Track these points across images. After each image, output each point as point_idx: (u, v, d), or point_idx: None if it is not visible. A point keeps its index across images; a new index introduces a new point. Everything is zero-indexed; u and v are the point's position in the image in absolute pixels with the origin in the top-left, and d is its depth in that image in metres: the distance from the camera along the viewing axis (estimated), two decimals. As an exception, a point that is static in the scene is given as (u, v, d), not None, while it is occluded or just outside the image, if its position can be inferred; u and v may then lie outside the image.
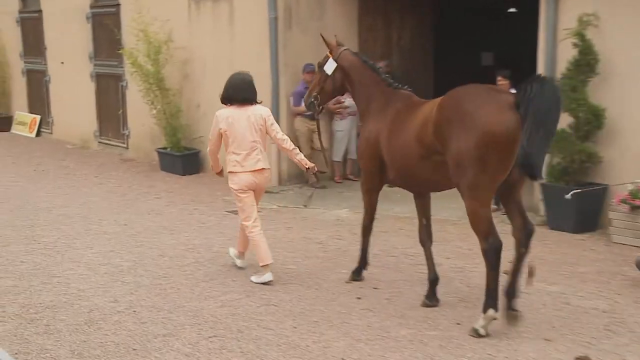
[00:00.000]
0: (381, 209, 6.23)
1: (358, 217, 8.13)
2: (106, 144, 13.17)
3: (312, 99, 5.91)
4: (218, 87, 6.27)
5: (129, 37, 11.52)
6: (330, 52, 5.81)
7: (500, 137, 4.42)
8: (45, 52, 14.88)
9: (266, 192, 8.43)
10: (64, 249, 7.02)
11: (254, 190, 6.00)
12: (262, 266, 5.96)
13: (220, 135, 5.99)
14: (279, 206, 8.72)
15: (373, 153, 5.41)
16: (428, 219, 5.43)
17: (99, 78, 13.41)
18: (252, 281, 5.94)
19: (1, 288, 5.85)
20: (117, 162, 11.92)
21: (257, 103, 6.05)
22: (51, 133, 14.91)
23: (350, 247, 6.75)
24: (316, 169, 6.17)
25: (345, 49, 5.80)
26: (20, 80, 15.94)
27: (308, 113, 8.15)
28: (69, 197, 9.50)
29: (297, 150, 6.09)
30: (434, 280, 5.34)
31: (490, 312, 4.71)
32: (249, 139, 5.94)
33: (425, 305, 5.27)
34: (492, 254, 4.60)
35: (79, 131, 13.70)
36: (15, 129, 15.71)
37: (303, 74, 9.60)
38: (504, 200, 4.88)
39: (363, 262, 5.90)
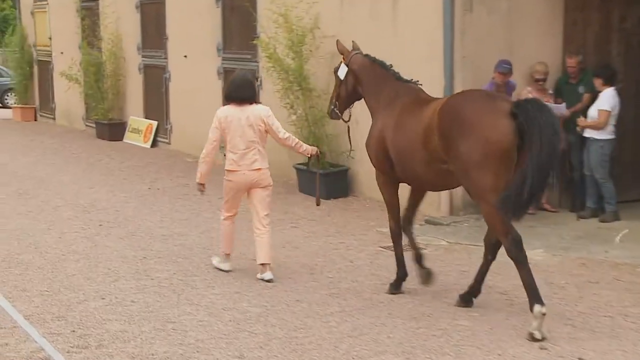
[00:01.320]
0: (591, 252, 7.00)
1: (557, 261, 7.68)
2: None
3: (333, 106, 7.17)
4: None
5: (266, 24, 11.58)
6: (344, 58, 7.06)
7: (498, 143, 5.66)
8: (167, 43, 15.43)
9: (434, 224, 9.21)
10: (180, 288, 7.11)
11: (248, 191, 7.38)
12: (224, 254, 7.59)
13: (220, 136, 7.28)
14: (449, 242, 8.62)
15: (381, 148, 6.62)
16: (416, 209, 6.91)
17: (227, 75, 13.60)
18: (212, 264, 7.65)
19: (108, 333, 5.97)
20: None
21: (257, 103, 7.38)
22: (169, 143, 15.37)
23: (548, 303, 6.32)
24: (318, 151, 7.62)
25: (356, 53, 7.06)
26: (136, 79, 16.67)
27: None
28: (188, 223, 9.61)
29: (300, 143, 7.52)
30: (419, 257, 6.89)
31: (537, 308, 5.68)
32: (247, 139, 7.25)
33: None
34: (515, 250, 5.72)
35: (202, 141, 13.85)
36: (128, 138, 16.40)
37: (494, 72, 9.15)
38: None
39: (401, 273, 6.88)
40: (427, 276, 6.88)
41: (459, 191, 9.46)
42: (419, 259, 6.89)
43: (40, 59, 20.98)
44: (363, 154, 10.87)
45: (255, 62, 12.77)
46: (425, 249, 8.26)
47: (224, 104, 7.42)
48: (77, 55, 18.00)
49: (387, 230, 8.90)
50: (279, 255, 8.10)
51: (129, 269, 7.63)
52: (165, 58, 15.49)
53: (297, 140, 7.49)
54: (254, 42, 12.04)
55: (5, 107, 27.36)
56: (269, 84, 11.80)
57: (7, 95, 28.12)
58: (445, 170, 6.05)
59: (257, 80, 12.67)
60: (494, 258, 6.31)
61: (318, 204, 7.78)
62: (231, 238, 7.57)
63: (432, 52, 9.57)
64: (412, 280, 6.93)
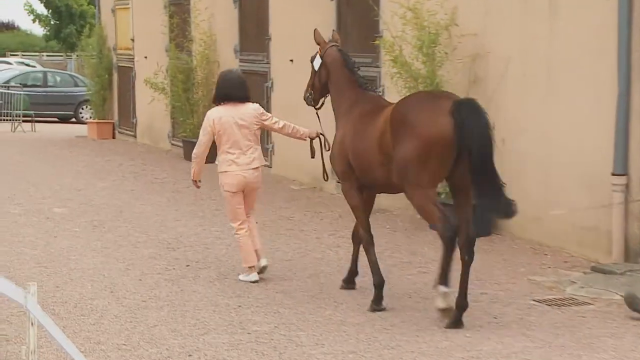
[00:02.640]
0: None
1: None
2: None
3: (308, 94, 8.79)
4: (527, 102, 6.58)
5: (391, 20, 11.63)
6: (320, 49, 8.64)
7: (436, 139, 7.24)
8: (269, 44, 15.70)
9: (605, 272, 9.05)
10: (282, 345, 7.13)
11: (243, 191, 8.86)
12: (248, 267, 8.87)
13: (212, 137, 8.80)
14: (623, 296, 8.21)
15: (343, 155, 8.15)
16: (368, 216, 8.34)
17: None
18: (239, 279, 8.88)
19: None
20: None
21: (250, 102, 8.90)
22: (270, 166, 15.56)
23: None
24: (321, 134, 8.87)
25: (332, 45, 8.60)
26: (232, 87, 16.96)
27: None
28: (292, 265, 9.76)
29: (298, 127, 8.98)
30: (353, 273, 8.61)
31: (441, 289, 7.43)
32: (244, 138, 8.74)
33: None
34: (448, 236, 7.38)
35: (309, 165, 14.00)
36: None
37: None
38: (455, 205, 7.62)
39: (378, 281, 8.02)
40: (346, 287, 8.54)
41: (637, 232, 9.18)
42: (352, 273, 8.58)
43: (121, 64, 21.75)
44: (512, 181, 10.76)
45: (376, 67, 12.81)
46: (592, 304, 8.06)
47: (214, 102, 9.02)
48: (163, 60, 18.53)
49: (542, 279, 8.93)
50: (403, 308, 8.04)
51: (221, 320, 7.70)
52: (268, 63, 15.72)
53: (293, 125, 9.01)
54: (376, 42, 12.08)
55: (79, 122, 28.52)
56: (394, 94, 11.77)
57: (82, 109, 29.28)
58: None
59: (378, 88, 12.73)
60: (470, 258, 7.49)
61: (326, 179, 9.07)
62: (252, 249, 8.87)
63: (603, 54, 9.41)
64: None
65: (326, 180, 9.16)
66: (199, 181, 9.16)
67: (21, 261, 9.60)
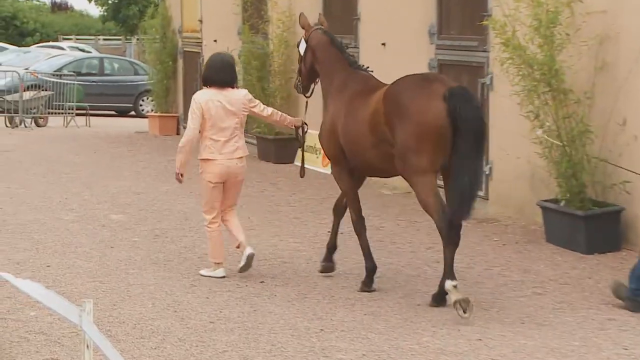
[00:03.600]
0: None
1: None
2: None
3: (297, 80, 10.06)
4: None
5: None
6: (305, 33, 9.78)
7: (431, 124, 8.33)
8: (358, 26, 15.78)
9: None
10: None
11: (224, 182, 9.62)
12: (215, 263, 9.70)
13: (201, 122, 9.49)
14: None
15: (333, 136, 9.22)
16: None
17: (444, 70, 13.64)
18: (201, 274, 9.68)
19: None
20: (466, 225, 11.86)
21: (237, 87, 9.77)
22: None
23: None
24: (304, 125, 9.96)
25: (317, 29, 9.70)
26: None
27: None
28: (383, 283, 9.71)
29: (285, 115, 10.10)
30: (332, 248, 9.71)
31: (448, 283, 8.37)
32: (230, 125, 9.53)
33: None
34: (445, 228, 8.41)
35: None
36: (301, 159, 16.64)
37: None
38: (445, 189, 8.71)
39: (370, 265, 9.25)
40: (326, 269, 9.64)
41: None
42: (331, 249, 9.66)
43: (187, 49, 21.99)
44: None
45: (484, 51, 12.77)
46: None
47: (203, 84, 9.77)
48: (235, 44, 18.66)
49: None
50: (515, 335, 7.99)
51: (301, 346, 7.73)
52: (356, 46, 15.77)
53: (280, 113, 10.09)
54: (484, 22, 12.00)
55: (139, 115, 28.93)
56: (504, 84, 11.69)
57: (143, 100, 29.70)
58: (392, 154, 8.62)
59: (484, 80, 12.68)
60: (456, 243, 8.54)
61: (302, 176, 10.32)
62: (221, 243, 9.70)
63: None
64: None
65: (302, 177, 10.39)
66: (182, 175, 9.82)
67: (74, 275, 9.78)
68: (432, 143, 8.36)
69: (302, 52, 9.79)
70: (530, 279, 9.80)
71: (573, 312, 8.70)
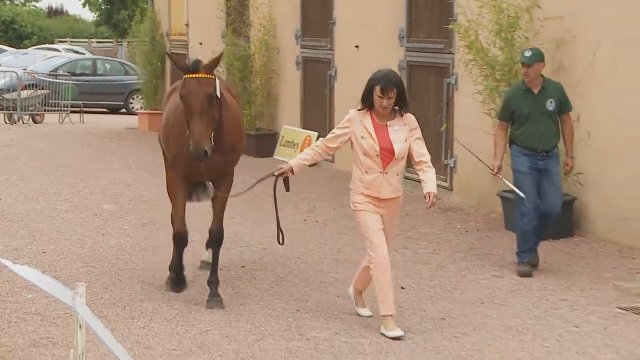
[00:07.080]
0: None
1: None
2: (412, 179, 13.27)
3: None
4: (618, 92, 6.30)
5: (467, 2, 11.67)
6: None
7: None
8: (333, 29, 15.80)
9: None
10: (344, 353, 7.16)
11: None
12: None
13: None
14: None
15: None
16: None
17: (413, 71, 13.70)
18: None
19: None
20: (432, 214, 11.94)
21: None
22: (332, 161, 15.63)
23: None
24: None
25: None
26: (292, 77, 17.16)
27: None
28: (354, 266, 9.68)
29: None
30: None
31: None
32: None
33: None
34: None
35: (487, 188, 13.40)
36: (280, 154, 16.82)
37: None
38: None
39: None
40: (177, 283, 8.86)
41: None
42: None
43: (175, 51, 21.95)
44: (597, 178, 10.65)
45: (450, 53, 12.80)
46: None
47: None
48: (219, 47, 18.65)
49: (629, 285, 8.85)
50: (475, 314, 8.05)
51: (278, 325, 7.77)
52: (331, 49, 15.82)
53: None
54: (449, 26, 12.07)
55: (130, 113, 28.88)
56: (468, 84, 11.77)
57: (133, 99, 29.65)
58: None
59: (450, 80, 12.70)
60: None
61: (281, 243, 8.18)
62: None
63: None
64: None
65: (281, 244, 8.18)
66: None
67: (68, 260, 9.79)
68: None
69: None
70: (490, 263, 9.86)
71: (529, 293, 8.78)
